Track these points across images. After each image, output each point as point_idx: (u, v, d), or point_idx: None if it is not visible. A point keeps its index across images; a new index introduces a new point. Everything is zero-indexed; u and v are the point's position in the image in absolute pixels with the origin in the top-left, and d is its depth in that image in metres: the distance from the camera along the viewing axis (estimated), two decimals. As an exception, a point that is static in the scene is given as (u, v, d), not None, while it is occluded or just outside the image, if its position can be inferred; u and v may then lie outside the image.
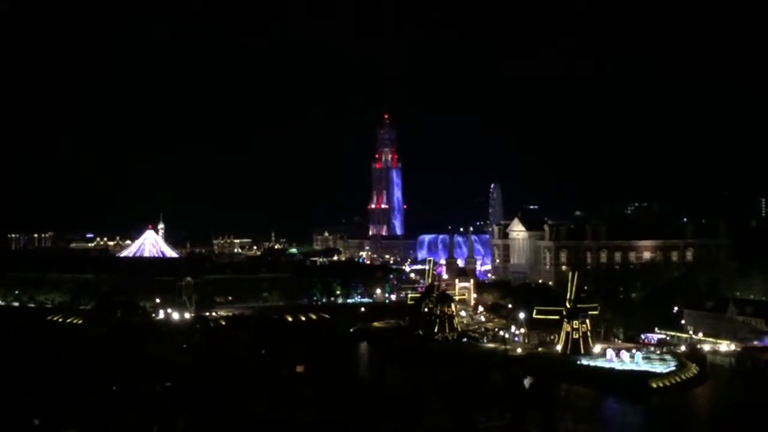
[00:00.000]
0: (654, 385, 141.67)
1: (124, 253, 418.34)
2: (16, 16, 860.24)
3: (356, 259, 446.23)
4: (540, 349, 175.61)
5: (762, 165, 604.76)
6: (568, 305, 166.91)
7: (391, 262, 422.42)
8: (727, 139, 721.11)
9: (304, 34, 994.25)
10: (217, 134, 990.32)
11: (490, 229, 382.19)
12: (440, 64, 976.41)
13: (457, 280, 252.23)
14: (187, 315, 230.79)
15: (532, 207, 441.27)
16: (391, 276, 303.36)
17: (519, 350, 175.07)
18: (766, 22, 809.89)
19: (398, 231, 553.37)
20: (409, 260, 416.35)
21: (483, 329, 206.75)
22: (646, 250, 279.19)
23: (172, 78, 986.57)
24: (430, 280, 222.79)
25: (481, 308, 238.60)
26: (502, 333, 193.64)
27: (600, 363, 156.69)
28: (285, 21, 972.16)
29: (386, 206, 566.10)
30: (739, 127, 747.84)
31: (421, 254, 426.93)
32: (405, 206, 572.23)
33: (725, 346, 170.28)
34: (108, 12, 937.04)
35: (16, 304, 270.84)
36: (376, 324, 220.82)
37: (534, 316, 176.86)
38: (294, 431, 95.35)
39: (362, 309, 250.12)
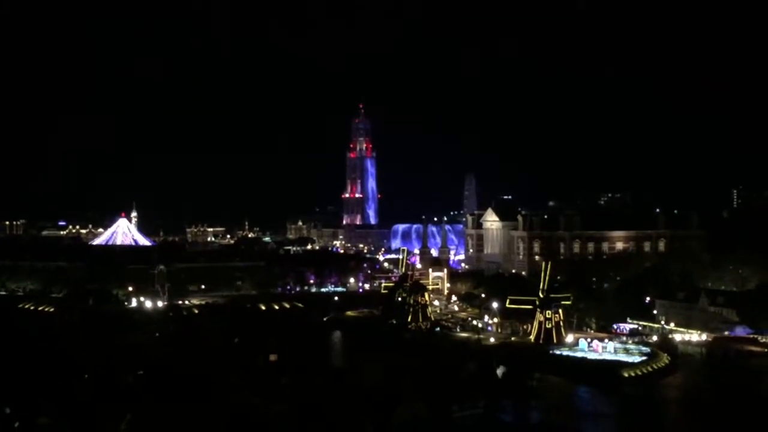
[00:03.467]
0: (626, 375, 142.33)
1: (96, 241, 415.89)
2: (16, 16, 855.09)
3: (330, 248, 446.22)
4: (513, 338, 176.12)
5: (734, 157, 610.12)
6: (541, 295, 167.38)
7: (365, 251, 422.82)
8: (700, 131, 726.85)
9: (278, 32, 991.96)
10: (191, 126, 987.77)
11: (464, 219, 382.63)
12: (416, 60, 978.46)
13: (430, 270, 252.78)
14: (160, 303, 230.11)
15: (506, 197, 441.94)
16: (365, 265, 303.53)
17: (492, 340, 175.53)
18: (737, 17, 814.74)
19: (372, 220, 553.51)
20: (383, 249, 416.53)
21: (456, 319, 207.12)
22: (619, 241, 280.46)
23: (150, 73, 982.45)
24: (403, 270, 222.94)
25: (454, 298, 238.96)
26: (475, 322, 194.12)
27: (572, 353, 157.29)
28: (263, 22, 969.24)
29: (360, 195, 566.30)
30: (712, 119, 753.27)
31: (395, 243, 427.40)
32: (379, 195, 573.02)
33: (696, 336, 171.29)
34: (90, 14, 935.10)
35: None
36: (349, 313, 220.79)
37: (507, 305, 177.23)
38: (268, 419, 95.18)
39: (336, 298, 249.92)
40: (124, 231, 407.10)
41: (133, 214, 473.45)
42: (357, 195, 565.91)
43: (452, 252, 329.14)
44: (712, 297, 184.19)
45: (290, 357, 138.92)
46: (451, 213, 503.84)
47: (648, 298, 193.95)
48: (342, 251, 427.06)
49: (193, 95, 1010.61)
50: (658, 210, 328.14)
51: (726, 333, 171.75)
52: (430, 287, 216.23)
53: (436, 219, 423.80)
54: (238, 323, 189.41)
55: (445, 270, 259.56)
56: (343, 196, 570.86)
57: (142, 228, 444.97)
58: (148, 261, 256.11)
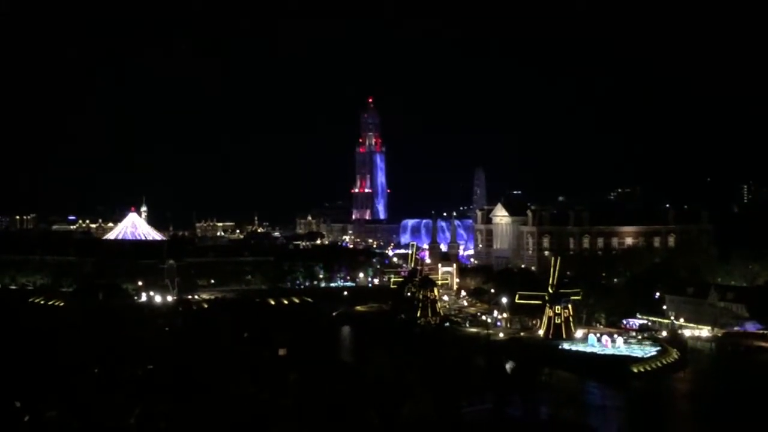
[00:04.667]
0: (635, 370, 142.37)
1: (106, 236, 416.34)
2: (16, 15, 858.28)
3: (339, 243, 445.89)
4: (522, 333, 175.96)
5: (744, 151, 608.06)
6: (550, 290, 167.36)
7: (374, 246, 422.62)
8: (710, 125, 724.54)
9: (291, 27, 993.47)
10: (200, 122, 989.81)
11: (473, 214, 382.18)
12: (425, 55, 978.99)
13: (440, 265, 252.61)
14: (169, 298, 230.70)
15: (515, 192, 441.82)
16: (374, 260, 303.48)
17: (501, 335, 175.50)
18: (747, 11, 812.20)
19: (381, 215, 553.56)
20: (392, 244, 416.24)
21: (465, 314, 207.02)
22: (628, 236, 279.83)
23: (157, 69, 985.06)
24: (413, 265, 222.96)
25: (463, 293, 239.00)
26: (484, 318, 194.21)
27: (582, 348, 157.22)
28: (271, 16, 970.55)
29: (370, 190, 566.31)
30: (722, 113, 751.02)
31: (405, 238, 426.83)
32: (388, 190, 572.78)
33: (706, 331, 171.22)
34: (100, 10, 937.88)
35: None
36: (358, 308, 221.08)
37: (516, 301, 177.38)
38: (276, 414, 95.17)
39: (345, 293, 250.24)
40: (135, 226, 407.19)
41: (143, 208, 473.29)
42: (366, 190, 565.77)
43: (461, 247, 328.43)
44: (722, 292, 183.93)
45: (299, 352, 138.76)
46: (461, 208, 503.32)
47: (657, 294, 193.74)
48: (351, 246, 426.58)
49: (199, 92, 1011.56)
50: (667, 205, 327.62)
51: (736, 328, 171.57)
52: (440, 282, 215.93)
53: (445, 214, 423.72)
54: (248, 318, 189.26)
55: (455, 265, 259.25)
56: (352, 190, 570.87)
57: (152, 223, 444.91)
58: (157, 256, 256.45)
